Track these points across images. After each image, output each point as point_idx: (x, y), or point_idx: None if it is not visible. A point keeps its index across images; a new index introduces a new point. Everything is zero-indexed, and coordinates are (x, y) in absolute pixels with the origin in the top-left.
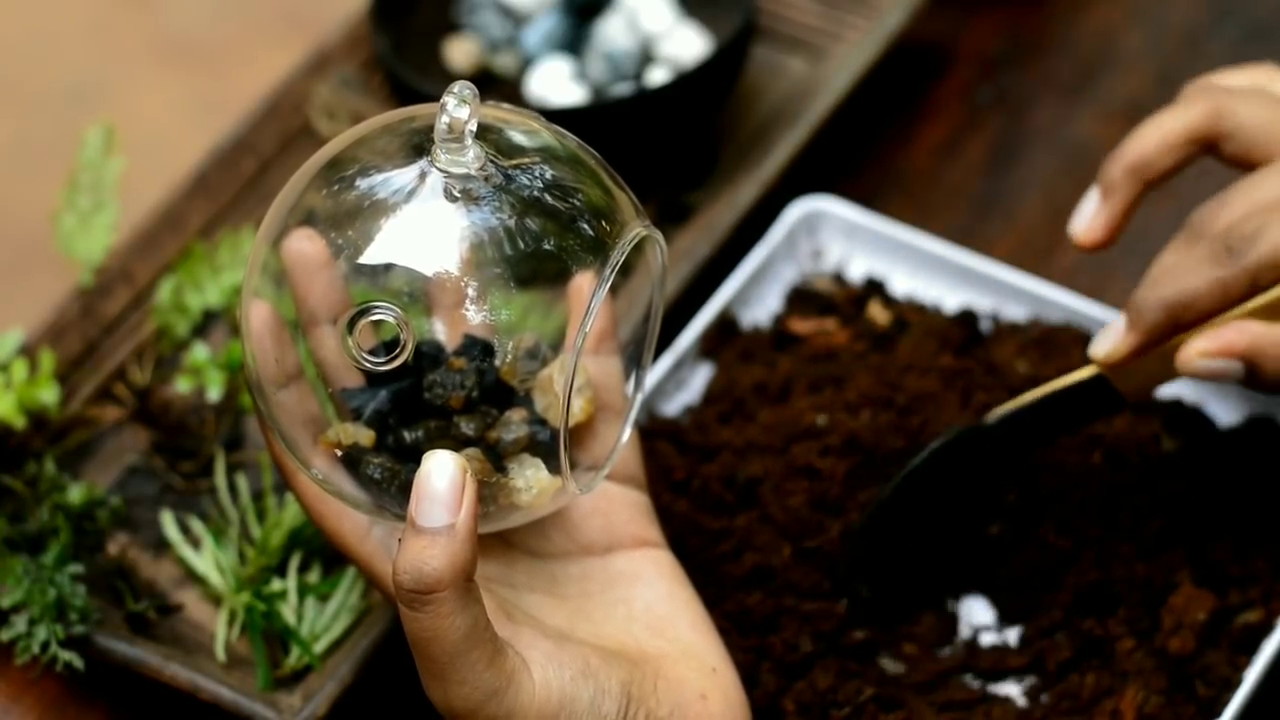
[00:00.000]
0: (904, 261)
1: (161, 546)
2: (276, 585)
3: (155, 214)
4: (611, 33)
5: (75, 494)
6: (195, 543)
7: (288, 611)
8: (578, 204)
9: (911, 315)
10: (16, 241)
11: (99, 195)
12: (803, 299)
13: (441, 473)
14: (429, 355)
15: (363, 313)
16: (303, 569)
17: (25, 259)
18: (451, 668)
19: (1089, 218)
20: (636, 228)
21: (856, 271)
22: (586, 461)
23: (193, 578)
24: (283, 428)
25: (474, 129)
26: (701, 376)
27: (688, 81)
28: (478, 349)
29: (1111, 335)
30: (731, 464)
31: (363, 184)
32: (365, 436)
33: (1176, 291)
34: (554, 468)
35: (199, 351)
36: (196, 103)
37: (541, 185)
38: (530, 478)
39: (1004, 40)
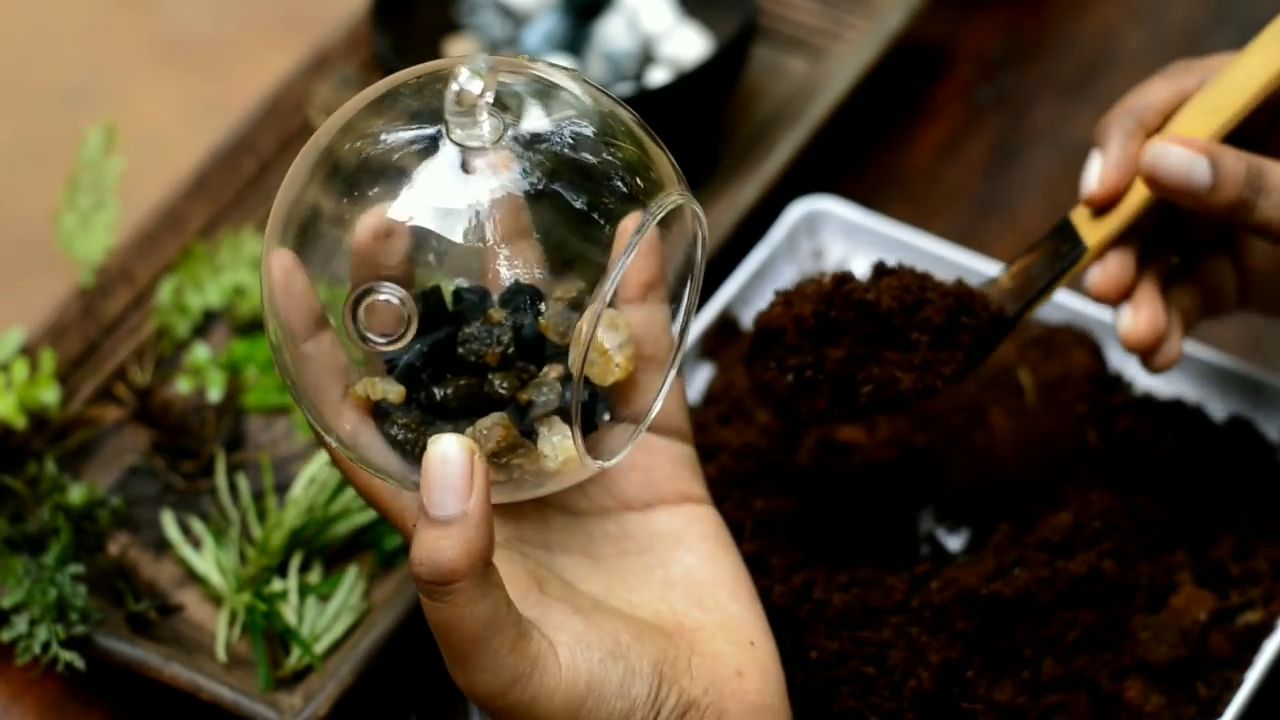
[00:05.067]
0: (904, 261)
1: (162, 546)
2: (277, 585)
3: (155, 214)
4: (612, 33)
5: (76, 494)
6: (196, 543)
7: (288, 611)
8: (611, 165)
9: None
10: (16, 241)
11: (99, 195)
12: None
13: (448, 459)
14: (472, 304)
15: (366, 293)
16: (303, 569)
17: (25, 259)
18: (474, 654)
19: (1095, 171)
20: (672, 194)
21: (857, 271)
22: (630, 416)
23: (193, 578)
24: (310, 382)
25: (489, 100)
26: (702, 377)
27: (688, 81)
28: (521, 300)
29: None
30: (730, 465)
31: (379, 152)
32: (395, 392)
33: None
34: (585, 426)
35: (199, 351)
36: (196, 103)
37: (568, 147)
38: (557, 444)
39: (1004, 40)
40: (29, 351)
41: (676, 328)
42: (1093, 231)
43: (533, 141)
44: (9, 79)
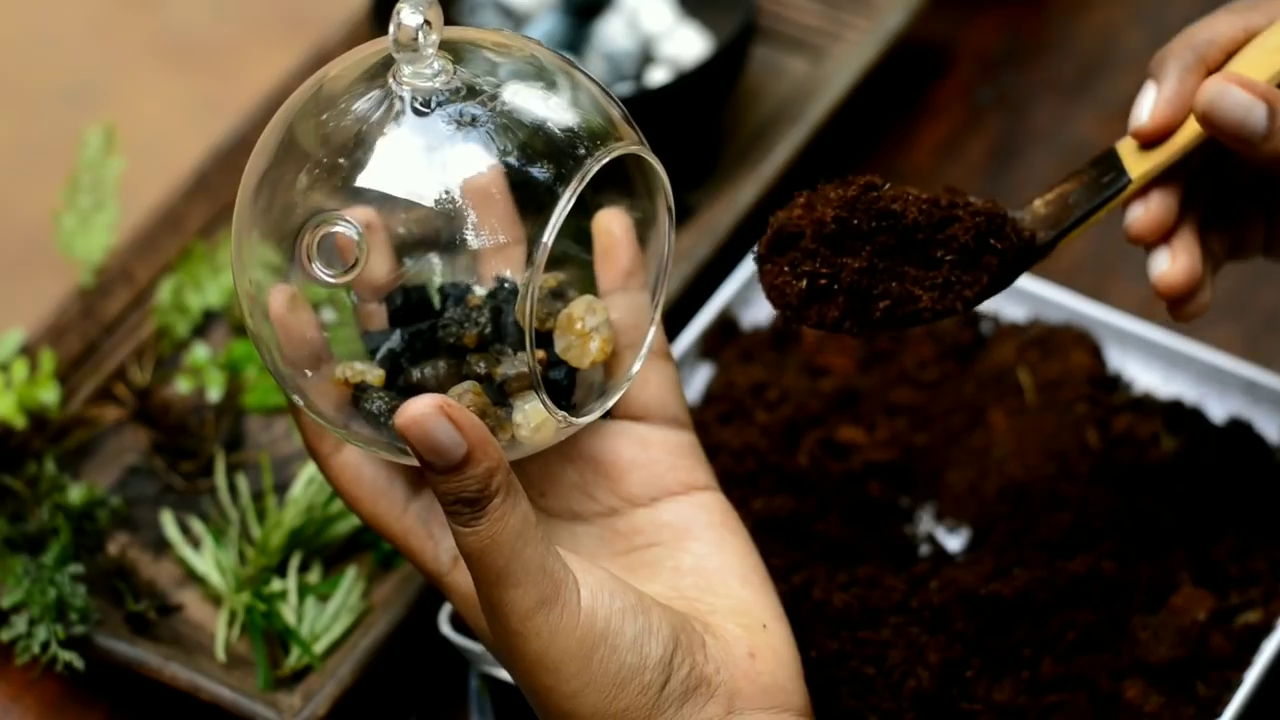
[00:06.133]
0: None
1: (161, 546)
2: (276, 585)
3: (155, 214)
4: (611, 33)
5: (75, 494)
6: (195, 543)
7: (288, 611)
8: (558, 120)
9: None
10: (16, 241)
11: (99, 195)
12: None
13: (427, 419)
14: (453, 296)
15: (319, 224)
16: (303, 569)
17: (25, 259)
18: (509, 568)
19: (1147, 105)
20: (615, 145)
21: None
22: (605, 400)
23: (193, 578)
24: (307, 394)
25: (433, 37)
26: (702, 376)
27: (688, 81)
28: (500, 288)
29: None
30: (730, 465)
31: (342, 117)
32: (374, 376)
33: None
34: (562, 406)
35: (199, 351)
36: (196, 103)
37: (512, 103)
38: (528, 412)
39: (1004, 40)
40: (29, 351)
41: (656, 300)
42: (1139, 163)
43: (483, 84)
44: (9, 79)
